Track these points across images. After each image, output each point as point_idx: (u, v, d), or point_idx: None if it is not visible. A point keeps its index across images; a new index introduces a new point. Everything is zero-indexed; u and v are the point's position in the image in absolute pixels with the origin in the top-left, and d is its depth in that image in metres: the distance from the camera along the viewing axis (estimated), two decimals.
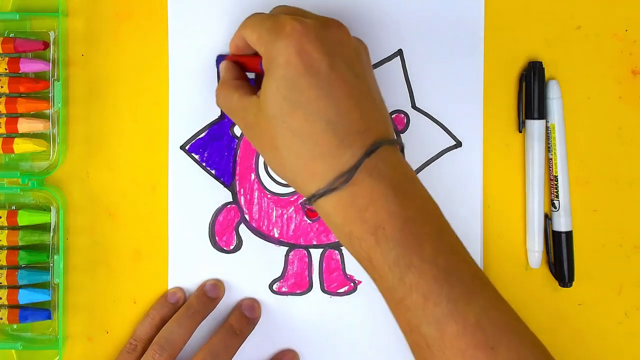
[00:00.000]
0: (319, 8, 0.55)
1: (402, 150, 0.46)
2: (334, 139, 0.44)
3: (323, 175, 0.44)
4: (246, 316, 0.55)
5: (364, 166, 0.43)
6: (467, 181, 0.56)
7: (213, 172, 0.56)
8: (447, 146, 0.56)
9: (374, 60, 0.55)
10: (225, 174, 0.56)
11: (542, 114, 0.56)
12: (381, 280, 0.44)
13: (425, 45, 0.56)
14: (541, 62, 0.56)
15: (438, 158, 0.56)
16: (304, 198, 0.45)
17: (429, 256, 0.43)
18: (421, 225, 0.44)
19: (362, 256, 0.44)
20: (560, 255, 0.56)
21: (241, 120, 0.48)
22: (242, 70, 0.51)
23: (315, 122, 0.44)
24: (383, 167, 0.44)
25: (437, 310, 0.42)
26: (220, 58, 0.55)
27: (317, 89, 0.44)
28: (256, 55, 0.49)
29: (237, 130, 0.56)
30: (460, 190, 0.56)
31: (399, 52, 0.56)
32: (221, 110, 0.56)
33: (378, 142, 0.44)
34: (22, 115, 0.55)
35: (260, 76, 0.48)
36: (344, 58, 0.45)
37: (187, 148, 0.56)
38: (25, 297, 0.55)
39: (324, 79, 0.44)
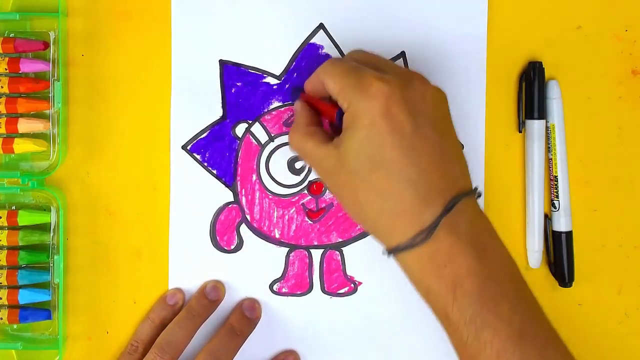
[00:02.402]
0: (324, 11, 0.55)
1: (479, 196, 0.47)
2: (415, 197, 0.44)
3: (404, 232, 0.45)
4: (247, 316, 0.55)
5: (443, 222, 0.44)
6: None
7: (214, 172, 0.56)
8: None
9: None
10: (226, 174, 0.56)
11: (542, 114, 0.56)
12: (455, 334, 0.45)
13: (427, 47, 0.56)
14: (541, 62, 0.56)
15: None
16: (386, 249, 0.46)
17: (505, 315, 0.43)
18: (499, 283, 0.44)
19: (439, 310, 0.45)
20: (560, 255, 0.56)
21: (318, 167, 0.49)
22: (316, 114, 0.52)
23: (397, 181, 0.44)
24: (462, 223, 0.45)
25: None
26: (294, 92, 0.55)
27: (400, 149, 0.44)
28: (333, 103, 0.49)
29: (239, 131, 0.56)
30: None
31: (402, 54, 0.56)
32: (223, 110, 0.56)
33: (457, 197, 0.45)
34: (22, 115, 0.55)
35: (334, 125, 0.49)
36: (426, 116, 0.46)
37: (188, 148, 0.56)
38: (25, 297, 0.55)
39: (408, 139, 0.44)
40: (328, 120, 0.52)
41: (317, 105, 0.51)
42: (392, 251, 0.46)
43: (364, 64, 0.48)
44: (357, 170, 0.45)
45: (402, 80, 0.46)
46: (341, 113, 0.47)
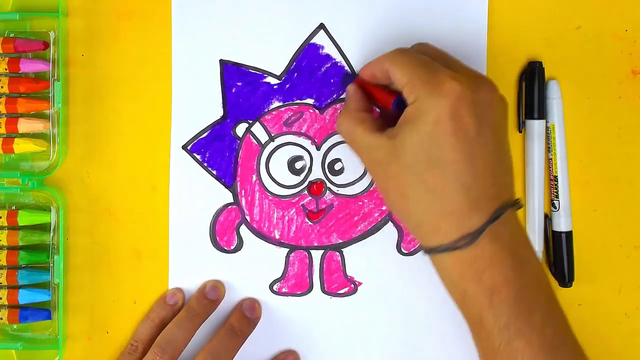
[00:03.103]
0: (324, 11, 0.55)
1: (519, 208, 0.47)
2: (465, 201, 0.44)
3: (447, 233, 0.45)
4: (247, 316, 0.55)
5: (488, 230, 0.44)
6: None
7: (214, 172, 0.56)
8: None
9: None
10: (226, 175, 0.56)
11: (542, 114, 0.56)
12: (487, 340, 0.45)
13: None
14: (541, 62, 0.56)
15: None
16: (422, 246, 0.47)
17: (538, 325, 0.44)
18: (534, 293, 0.45)
19: (473, 314, 0.46)
20: (560, 255, 0.56)
21: (365, 155, 0.49)
22: (368, 100, 0.51)
23: (451, 182, 0.45)
24: (504, 232, 0.45)
25: None
26: (346, 77, 0.55)
27: (460, 152, 0.44)
28: (390, 90, 0.49)
29: (239, 131, 0.56)
30: None
31: None
32: (223, 110, 0.56)
33: (504, 206, 0.45)
34: (22, 115, 0.55)
35: (386, 111, 0.48)
36: (490, 123, 0.46)
37: (188, 148, 0.56)
38: (25, 297, 0.55)
39: (469, 143, 0.45)
40: (379, 109, 0.51)
41: (372, 91, 0.50)
42: (431, 251, 0.46)
43: (434, 59, 0.48)
44: (411, 165, 0.45)
45: (473, 82, 0.46)
46: (399, 102, 0.47)
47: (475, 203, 0.44)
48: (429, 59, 0.48)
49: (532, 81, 0.55)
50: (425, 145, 0.45)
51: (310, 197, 0.56)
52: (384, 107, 0.49)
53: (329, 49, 0.56)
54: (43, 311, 0.56)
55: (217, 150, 0.56)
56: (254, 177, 0.56)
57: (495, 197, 0.45)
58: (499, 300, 0.44)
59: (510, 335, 0.44)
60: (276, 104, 0.56)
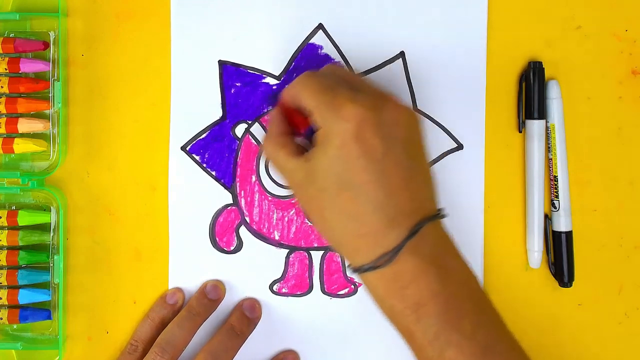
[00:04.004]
0: (323, 11, 0.55)
1: (443, 217, 0.47)
2: (380, 221, 0.44)
3: (367, 253, 0.45)
4: (247, 316, 0.55)
5: (407, 246, 0.44)
6: (469, 182, 0.56)
7: (213, 173, 0.56)
8: (449, 149, 0.56)
9: (375, 63, 0.55)
10: (225, 176, 0.56)
11: (542, 114, 0.56)
12: (420, 353, 0.45)
13: (427, 47, 0.56)
14: (541, 62, 0.56)
15: (440, 160, 0.56)
16: (350, 267, 0.47)
17: (468, 332, 0.44)
18: (462, 301, 0.45)
19: (403, 329, 0.46)
20: (560, 255, 0.56)
21: (287, 178, 0.49)
22: (289, 125, 0.51)
23: (364, 204, 0.44)
24: (425, 246, 0.45)
25: None
26: (272, 98, 0.55)
27: (370, 173, 0.44)
28: (305, 116, 0.48)
29: (239, 132, 0.56)
30: (461, 191, 0.56)
31: (401, 54, 0.56)
32: (222, 111, 0.56)
33: (422, 220, 0.45)
34: (22, 115, 0.55)
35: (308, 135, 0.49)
36: (399, 140, 0.45)
37: (187, 149, 0.56)
38: (25, 297, 0.55)
39: (378, 163, 0.44)
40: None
41: (290, 116, 0.50)
42: (356, 270, 0.46)
43: (340, 80, 0.48)
44: (325, 188, 0.45)
45: (376, 102, 0.46)
46: (311, 130, 0.47)
47: (392, 221, 0.44)
48: (332, 82, 0.47)
49: (532, 81, 0.55)
50: (334, 169, 0.45)
51: None
52: (297, 133, 0.49)
53: (328, 49, 0.56)
54: (43, 311, 0.56)
55: (216, 150, 0.56)
56: (254, 178, 0.56)
57: (412, 212, 0.45)
58: (426, 313, 0.44)
59: (442, 345, 0.43)
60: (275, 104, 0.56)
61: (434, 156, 0.56)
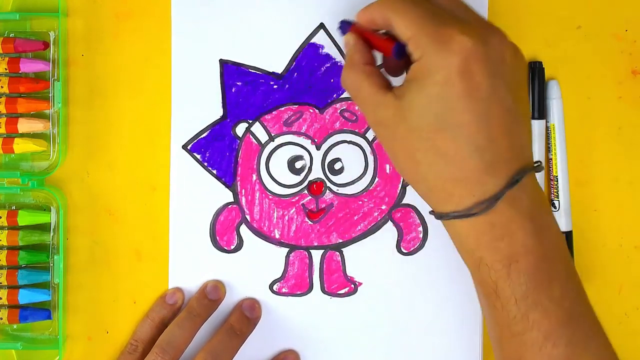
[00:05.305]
0: (324, 11, 0.55)
1: (540, 171, 0.44)
2: (479, 165, 0.41)
3: (461, 199, 0.42)
4: (247, 316, 0.55)
5: (505, 195, 0.41)
6: None
7: (214, 172, 0.56)
8: None
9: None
10: (226, 175, 0.56)
11: (542, 114, 0.56)
12: (502, 311, 0.43)
13: None
14: (541, 62, 0.56)
15: None
16: (433, 211, 0.44)
17: (556, 297, 0.42)
18: (553, 263, 0.43)
19: (488, 283, 0.43)
20: None
21: (370, 113, 0.45)
22: (371, 51, 0.47)
23: (463, 146, 0.41)
24: (523, 197, 0.42)
25: (554, 352, 0.42)
26: (343, 24, 0.49)
27: (473, 113, 0.41)
28: (389, 36, 0.45)
29: (239, 131, 0.56)
30: None
31: None
32: (223, 110, 0.56)
33: (522, 170, 0.42)
34: (22, 115, 0.55)
35: (390, 60, 0.45)
36: (505, 80, 0.42)
37: (189, 148, 0.56)
38: (25, 297, 0.55)
39: (483, 103, 0.41)
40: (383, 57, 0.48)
41: (373, 41, 0.46)
42: (443, 216, 0.43)
43: (441, 6, 0.44)
44: (419, 128, 0.42)
45: (484, 34, 0.42)
46: (399, 48, 0.43)
47: (491, 167, 0.41)
48: (435, 7, 0.43)
49: (532, 81, 0.55)
50: (434, 107, 0.41)
51: (310, 197, 0.56)
52: (385, 55, 0.46)
53: (329, 49, 0.56)
54: (43, 311, 0.56)
55: (217, 149, 0.56)
56: (254, 177, 0.56)
57: (512, 159, 0.42)
58: (517, 270, 0.41)
59: (528, 306, 0.41)
60: (276, 103, 0.56)
61: None
